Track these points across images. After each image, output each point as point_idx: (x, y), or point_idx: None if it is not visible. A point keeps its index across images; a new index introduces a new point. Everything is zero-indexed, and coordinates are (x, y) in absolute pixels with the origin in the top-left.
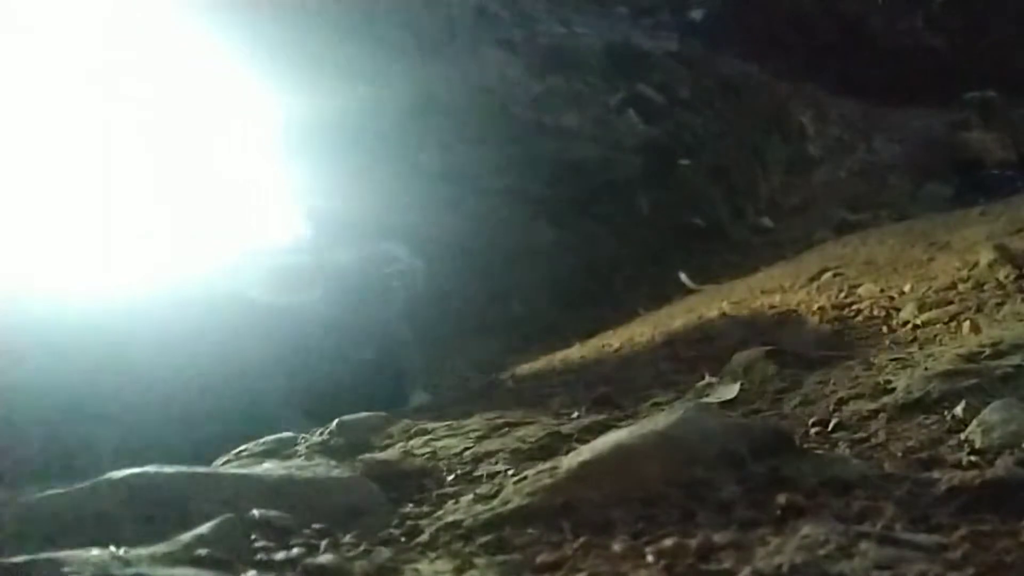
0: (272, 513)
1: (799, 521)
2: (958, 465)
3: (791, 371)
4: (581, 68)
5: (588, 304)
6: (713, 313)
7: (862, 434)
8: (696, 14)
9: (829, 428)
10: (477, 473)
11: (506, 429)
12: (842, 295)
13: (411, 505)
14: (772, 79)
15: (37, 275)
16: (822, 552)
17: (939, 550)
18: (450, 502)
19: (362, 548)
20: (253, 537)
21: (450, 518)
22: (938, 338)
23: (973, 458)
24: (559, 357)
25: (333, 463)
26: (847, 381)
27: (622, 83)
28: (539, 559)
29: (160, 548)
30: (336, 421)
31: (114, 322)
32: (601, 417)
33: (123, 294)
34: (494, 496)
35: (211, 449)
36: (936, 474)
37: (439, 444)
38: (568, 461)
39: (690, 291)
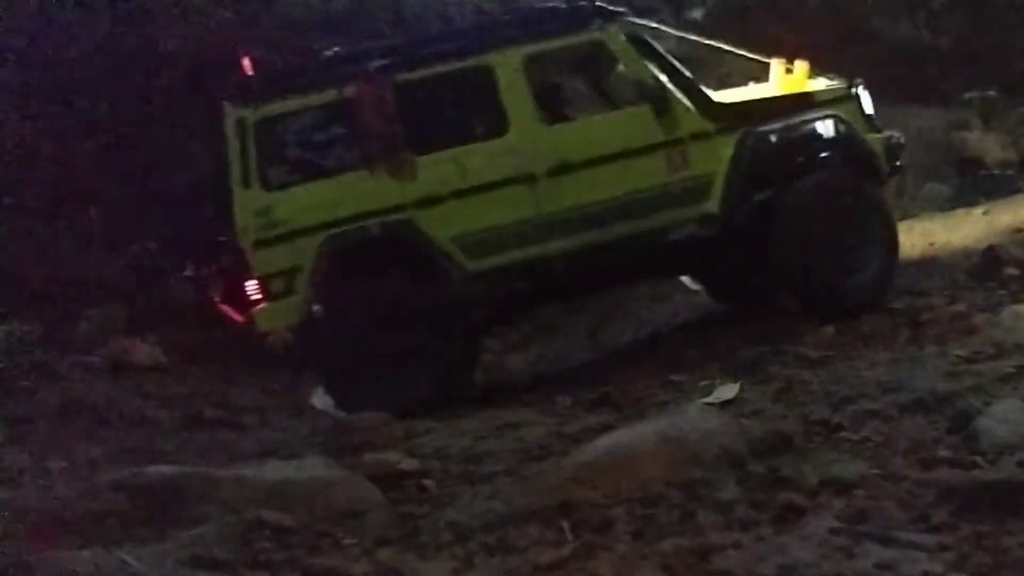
0: (272, 513)
1: (799, 521)
2: (958, 465)
3: (791, 371)
4: None
5: (588, 304)
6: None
7: (862, 434)
8: (696, 14)
9: (829, 428)
10: (478, 473)
11: (506, 429)
12: None
13: (411, 505)
14: None
15: None
16: (822, 552)
17: (939, 550)
18: (450, 502)
19: (362, 548)
20: (253, 537)
21: (451, 518)
22: (940, 338)
23: (974, 458)
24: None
25: (333, 463)
26: (848, 381)
27: None
28: (539, 559)
29: (160, 548)
30: (335, 422)
31: None
32: (601, 417)
33: None
34: (494, 496)
35: None
36: (936, 474)
37: (439, 444)
38: (568, 461)
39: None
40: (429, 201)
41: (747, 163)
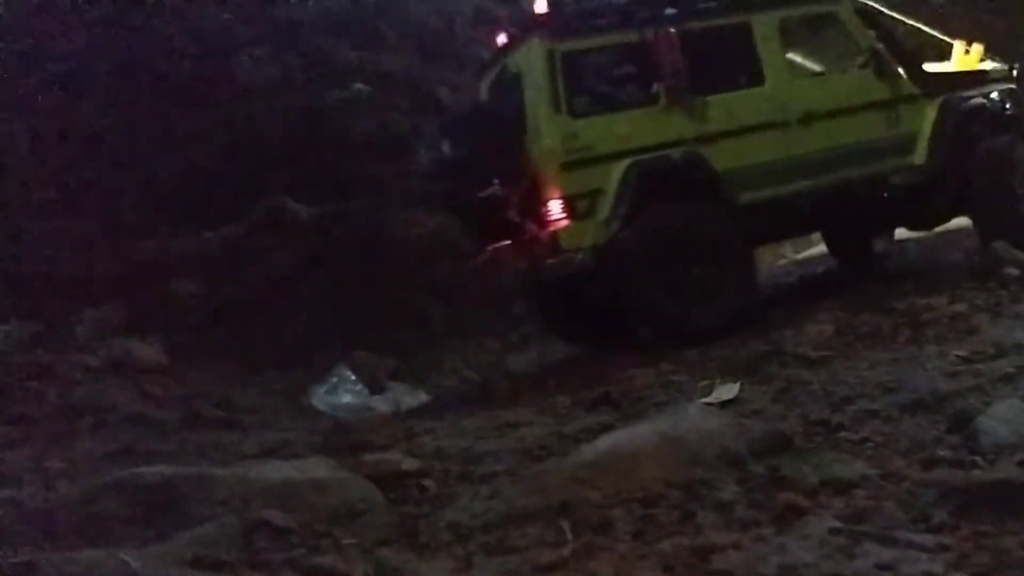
0: (272, 513)
1: (799, 521)
2: (959, 465)
3: (791, 371)
4: None
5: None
6: None
7: (862, 434)
8: None
9: (829, 428)
10: (478, 473)
11: (506, 429)
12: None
13: (411, 505)
14: None
15: None
16: (822, 552)
17: (940, 550)
18: (450, 502)
19: (362, 548)
20: (253, 537)
21: (450, 518)
22: (940, 338)
23: (974, 458)
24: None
25: (333, 463)
26: (848, 381)
27: None
28: (539, 559)
29: (160, 548)
30: (335, 422)
31: None
32: (601, 417)
33: None
34: (494, 496)
35: None
36: (937, 474)
37: (439, 444)
38: (568, 461)
39: None
40: (707, 138)
41: (949, 123)
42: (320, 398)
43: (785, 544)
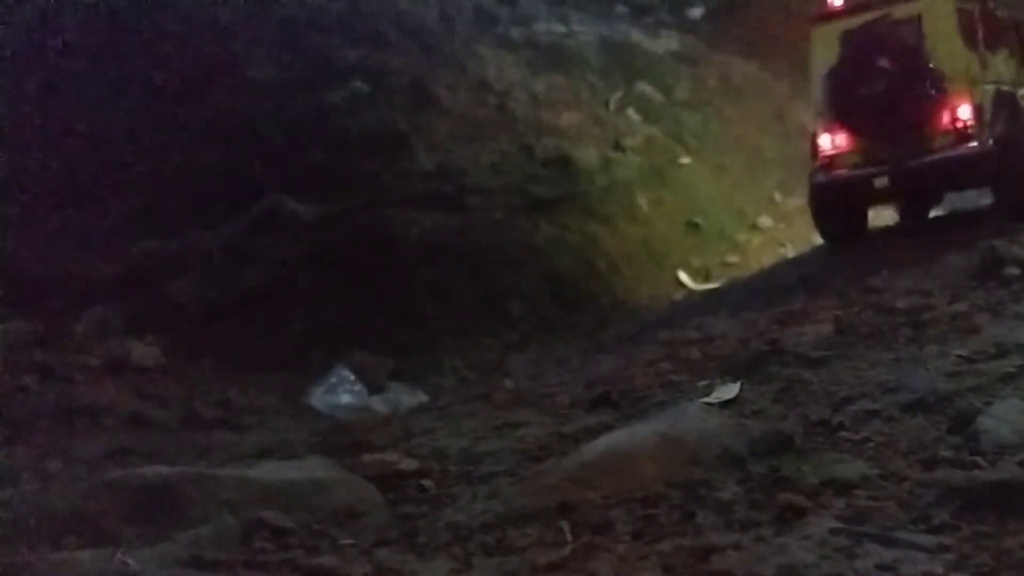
0: (271, 514)
1: (799, 521)
2: (959, 465)
3: (791, 371)
4: (581, 67)
5: (588, 304)
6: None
7: (863, 434)
8: (696, 12)
9: (830, 428)
10: (477, 473)
11: (506, 429)
12: (846, 293)
13: (410, 505)
14: (772, 78)
15: None
16: (823, 552)
17: (940, 551)
18: (449, 502)
19: (361, 548)
20: (252, 537)
21: (449, 518)
22: (941, 337)
23: (975, 458)
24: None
25: (332, 463)
26: (848, 381)
27: (621, 82)
28: (538, 560)
29: (160, 548)
30: (334, 422)
31: None
32: (601, 417)
33: None
34: (493, 496)
35: None
36: (937, 474)
37: (439, 444)
38: (568, 461)
39: (690, 290)
40: (1003, 80)
41: None
42: (319, 398)
43: (785, 544)
